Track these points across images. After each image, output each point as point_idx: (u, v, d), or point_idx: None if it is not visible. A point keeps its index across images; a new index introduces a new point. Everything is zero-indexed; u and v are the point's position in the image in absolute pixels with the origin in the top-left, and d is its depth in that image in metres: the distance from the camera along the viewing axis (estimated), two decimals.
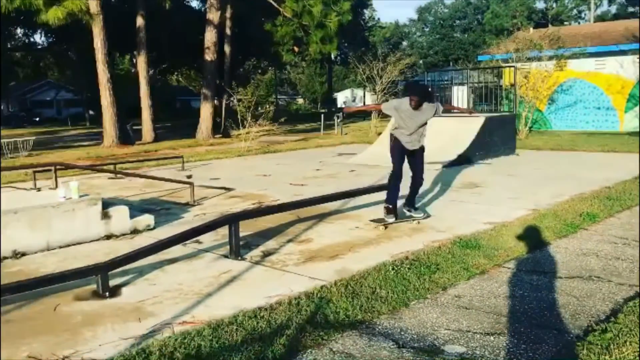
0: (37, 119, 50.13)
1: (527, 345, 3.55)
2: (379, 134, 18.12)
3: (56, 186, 7.51)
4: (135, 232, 6.76)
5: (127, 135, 21.75)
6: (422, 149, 6.84)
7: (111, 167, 11.87)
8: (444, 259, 5.32)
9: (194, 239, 6.04)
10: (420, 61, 69.44)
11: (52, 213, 6.12)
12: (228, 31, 26.40)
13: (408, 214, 6.98)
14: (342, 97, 73.42)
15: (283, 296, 4.39)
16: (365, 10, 54.01)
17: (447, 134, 13.22)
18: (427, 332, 3.76)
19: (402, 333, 3.75)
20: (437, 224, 6.85)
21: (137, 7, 22.89)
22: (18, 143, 18.42)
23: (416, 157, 6.85)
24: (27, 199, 6.75)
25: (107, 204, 6.73)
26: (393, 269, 4.99)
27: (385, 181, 7.06)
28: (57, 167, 8.57)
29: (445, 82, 23.05)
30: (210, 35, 23.68)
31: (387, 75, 23.51)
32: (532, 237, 6.09)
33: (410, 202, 7.04)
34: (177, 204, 8.68)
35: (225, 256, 5.66)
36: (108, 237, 6.49)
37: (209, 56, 23.96)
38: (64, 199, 6.33)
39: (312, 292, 4.43)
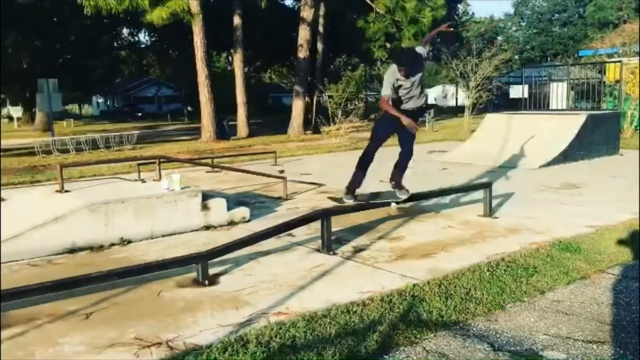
0: (140, 114, 52.95)
1: (634, 356, 3.36)
2: (472, 131, 17.68)
3: (159, 178, 7.90)
4: (231, 223, 7.00)
5: (224, 130, 22.53)
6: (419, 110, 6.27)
7: (209, 161, 12.34)
8: (542, 261, 5.13)
9: (287, 232, 6.17)
10: (516, 56, 66.96)
11: (155, 203, 6.46)
12: (321, 28, 26.66)
13: (392, 190, 6.36)
14: (433, 94, 72.16)
15: (375, 292, 4.40)
16: (459, 5, 52.72)
17: (545, 132, 12.70)
18: (524, 336, 3.65)
19: (498, 336, 3.66)
20: (535, 226, 6.60)
21: (234, 7, 23.60)
22: (123, 137, 19.57)
23: (404, 132, 6.12)
24: (133, 189, 7.15)
25: (206, 196, 7.01)
26: (488, 270, 4.87)
27: (479, 180, 6.89)
28: (161, 160, 9.02)
29: (543, 79, 22.11)
30: (303, 33, 24.04)
31: (481, 72, 22.90)
32: (638, 242, 5.73)
33: (396, 176, 6.34)
34: (270, 198, 8.90)
35: (318, 250, 5.75)
36: (206, 227, 6.77)
37: (302, 53, 24.33)
38: (167, 190, 6.67)
39: (404, 290, 4.41)
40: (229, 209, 7.11)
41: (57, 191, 7.02)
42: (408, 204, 7.12)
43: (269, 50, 35.09)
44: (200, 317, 4.05)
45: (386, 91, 5.94)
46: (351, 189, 6.18)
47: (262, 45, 32.59)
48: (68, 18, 29.27)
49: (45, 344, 3.66)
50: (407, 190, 6.28)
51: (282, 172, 11.29)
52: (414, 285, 4.52)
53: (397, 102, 6.05)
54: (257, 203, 8.45)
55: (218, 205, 6.97)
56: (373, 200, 6.40)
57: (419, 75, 5.97)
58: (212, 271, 4.94)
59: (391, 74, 5.88)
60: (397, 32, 25.13)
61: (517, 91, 26.91)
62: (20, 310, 4.17)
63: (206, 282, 4.78)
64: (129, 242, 6.17)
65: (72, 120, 41.42)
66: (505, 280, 4.64)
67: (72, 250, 5.87)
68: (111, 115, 53.79)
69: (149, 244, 6.16)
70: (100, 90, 53.87)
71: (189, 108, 48.49)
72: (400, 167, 6.31)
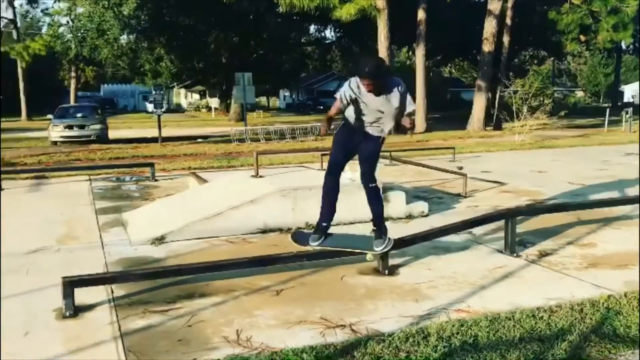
0: (321, 107, 55.13)
1: None
2: None
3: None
4: (409, 217, 7.05)
5: (402, 125, 22.62)
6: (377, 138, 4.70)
7: (386, 154, 12.51)
8: None
9: (467, 230, 6.06)
10: None
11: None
12: (508, 21, 25.51)
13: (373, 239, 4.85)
14: (630, 91, 65.35)
15: (563, 300, 4.17)
16: None
17: None
18: None
19: None
20: None
21: (420, 1, 23.51)
22: (307, 128, 20.60)
23: (365, 148, 4.72)
24: (318, 178, 7.51)
25: (385, 188, 7.13)
26: None
27: None
28: None
29: None
30: (489, 26, 23.22)
31: None
32: None
33: (375, 219, 4.91)
34: (448, 194, 8.79)
35: (499, 251, 5.57)
36: (385, 219, 6.86)
37: (487, 47, 23.52)
38: (350, 180, 6.90)
39: (597, 300, 4.11)
40: (407, 202, 7.16)
41: (252, 176, 7.63)
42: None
43: (450, 44, 34.40)
44: (381, 305, 4.17)
45: (343, 96, 4.61)
46: (318, 226, 4.86)
47: (444, 39, 32.05)
48: (262, 16, 31.43)
49: (242, 314, 4.03)
50: (387, 240, 4.72)
51: (460, 168, 11.07)
52: (608, 296, 4.20)
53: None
54: (435, 198, 8.39)
55: (397, 198, 7.06)
56: (342, 248, 4.80)
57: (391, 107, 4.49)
58: (391, 262, 5.04)
59: (354, 84, 4.50)
60: (594, 24, 23.17)
61: None
62: (220, 282, 4.63)
63: (386, 271, 4.89)
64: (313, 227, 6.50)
65: (261, 111, 44.45)
66: None
67: (264, 231, 6.35)
68: (296, 108, 56.72)
69: (332, 231, 6.40)
70: (287, 84, 56.97)
71: None
72: (370, 204, 4.86)
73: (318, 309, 4.09)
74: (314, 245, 4.75)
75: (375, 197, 4.84)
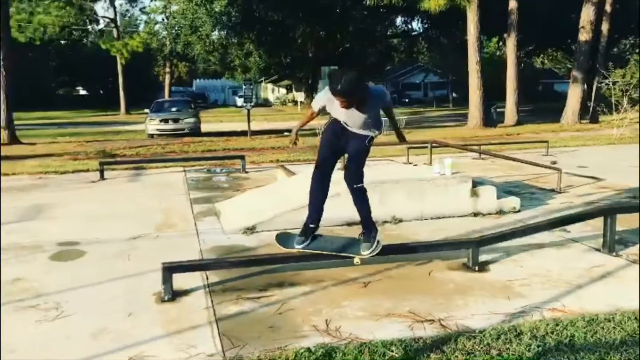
0: (406, 100, 54.55)
1: None
2: None
3: (430, 162, 8.11)
4: (500, 212, 6.86)
5: (491, 117, 22.01)
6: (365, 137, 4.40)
7: (476, 147, 12.22)
8: None
9: (561, 227, 5.82)
10: None
11: (426, 187, 6.67)
12: (608, 7, 24.11)
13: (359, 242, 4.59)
14: None
15: None
16: None
17: None
18: None
19: None
20: None
21: None
22: None
23: (351, 146, 4.46)
24: (405, 171, 7.48)
25: (475, 183, 6.99)
26: None
27: None
28: (433, 145, 9.24)
29: None
30: (587, 13, 22.05)
31: None
32: None
33: (363, 221, 4.61)
34: (541, 190, 8.48)
35: (597, 249, 5.32)
36: (475, 214, 6.75)
37: (583, 36, 22.36)
38: (438, 174, 6.82)
39: None
40: (498, 197, 6.98)
41: (338, 169, 7.68)
42: None
43: (544, 34, 32.97)
44: (471, 302, 4.10)
45: (315, 104, 4.51)
46: (305, 227, 4.60)
47: (537, 28, 30.77)
48: (349, 9, 31.47)
49: (330, 304, 4.10)
50: (375, 244, 4.43)
51: (554, 162, 10.62)
52: None
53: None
54: (527, 194, 8.11)
55: (488, 193, 6.89)
56: (328, 252, 4.55)
57: (373, 113, 4.30)
58: (481, 258, 4.93)
59: (326, 94, 4.32)
60: None
61: None
62: (309, 272, 4.73)
63: (476, 268, 4.80)
64: (400, 220, 6.49)
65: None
66: None
67: (350, 223, 6.39)
68: None
69: (419, 225, 6.39)
70: (372, 76, 56.80)
71: (454, 94, 48.36)
72: (356, 207, 4.58)
73: (406, 303, 4.08)
74: (298, 248, 4.50)
75: (362, 199, 4.51)
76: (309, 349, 3.29)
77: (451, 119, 28.55)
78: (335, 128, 4.43)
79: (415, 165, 8.11)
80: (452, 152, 12.82)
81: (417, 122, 27.02)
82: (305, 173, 8.47)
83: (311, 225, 4.57)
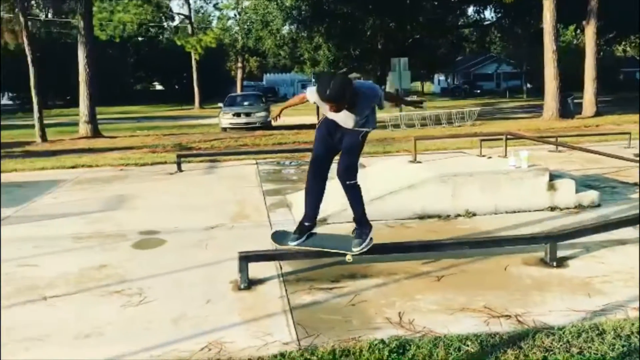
0: (478, 91, 53.31)
1: None
2: None
3: (505, 155, 7.91)
4: (579, 207, 6.61)
5: (568, 108, 21.19)
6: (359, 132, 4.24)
7: (553, 139, 11.80)
8: None
9: None
10: None
11: (501, 179, 6.52)
12: None
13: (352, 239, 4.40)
14: None
15: None
16: None
17: None
18: None
19: None
20: None
21: None
22: (464, 113, 20.07)
23: (345, 141, 4.28)
24: (479, 164, 7.33)
25: (552, 176, 6.76)
26: None
27: None
28: (507, 137, 8.99)
29: None
30: None
31: None
32: None
33: (356, 218, 4.44)
34: (623, 183, 8.10)
35: None
36: (552, 208, 6.54)
37: None
38: (514, 167, 6.65)
39: None
40: (576, 191, 6.73)
41: (410, 161, 7.64)
42: None
43: (625, 20, 31.28)
44: (549, 298, 3.99)
45: (309, 95, 4.43)
46: (300, 225, 4.50)
47: (619, 15, 29.24)
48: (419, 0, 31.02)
49: (403, 297, 4.09)
50: (367, 240, 4.29)
51: (637, 155, 10.11)
52: None
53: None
54: (608, 188, 7.77)
55: (566, 187, 6.66)
56: (322, 248, 4.42)
57: (362, 112, 4.18)
58: (559, 254, 4.78)
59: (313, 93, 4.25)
60: None
61: None
62: (381, 264, 4.73)
63: (554, 263, 4.66)
64: (474, 214, 6.37)
65: (415, 96, 44.08)
66: None
67: (421, 217, 6.35)
68: (451, 92, 55.45)
69: (493, 219, 6.26)
70: (443, 68, 55.82)
71: (529, 85, 46.78)
72: (350, 203, 4.43)
73: (481, 298, 4.02)
74: (292, 245, 4.40)
75: (355, 196, 4.35)
76: (382, 341, 3.30)
77: (525, 111, 27.67)
78: (329, 124, 4.31)
79: (490, 157, 7.93)
80: (528, 144, 12.44)
81: (490, 113, 26.37)
82: (375, 165, 8.49)
83: (306, 224, 4.45)
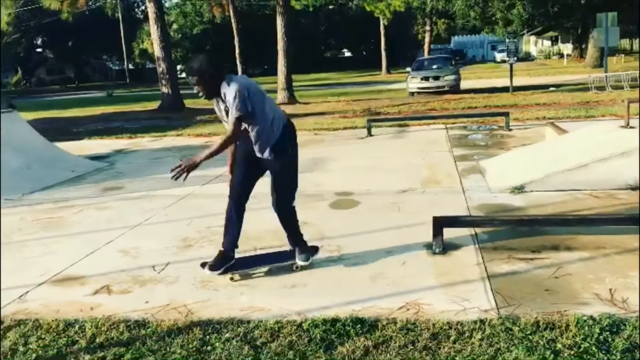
0: None
1: None
2: None
3: None
4: None
5: None
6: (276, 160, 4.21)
7: None
8: None
9: None
10: None
11: None
12: None
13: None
14: None
15: None
16: None
17: None
18: None
19: None
20: None
21: None
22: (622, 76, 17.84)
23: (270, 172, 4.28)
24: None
25: None
26: None
27: None
28: None
29: None
30: None
31: None
32: None
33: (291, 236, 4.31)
34: None
35: None
36: None
37: None
38: None
39: None
40: None
41: (621, 126, 6.93)
42: None
43: None
44: None
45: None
46: (224, 253, 4.10)
47: None
48: None
49: (614, 273, 3.77)
50: (310, 250, 4.27)
51: None
52: None
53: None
54: None
55: None
56: (262, 265, 4.25)
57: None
58: None
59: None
60: None
61: None
62: (586, 237, 4.41)
63: None
64: None
65: (622, 56, 39.59)
66: None
67: (634, 188, 5.75)
68: None
69: None
70: None
71: None
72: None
73: None
74: (214, 274, 4.02)
75: (289, 220, 4.34)
76: (592, 317, 3.09)
77: None
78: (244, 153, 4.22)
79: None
80: None
81: None
82: (580, 131, 7.84)
83: (223, 251, 4.13)
